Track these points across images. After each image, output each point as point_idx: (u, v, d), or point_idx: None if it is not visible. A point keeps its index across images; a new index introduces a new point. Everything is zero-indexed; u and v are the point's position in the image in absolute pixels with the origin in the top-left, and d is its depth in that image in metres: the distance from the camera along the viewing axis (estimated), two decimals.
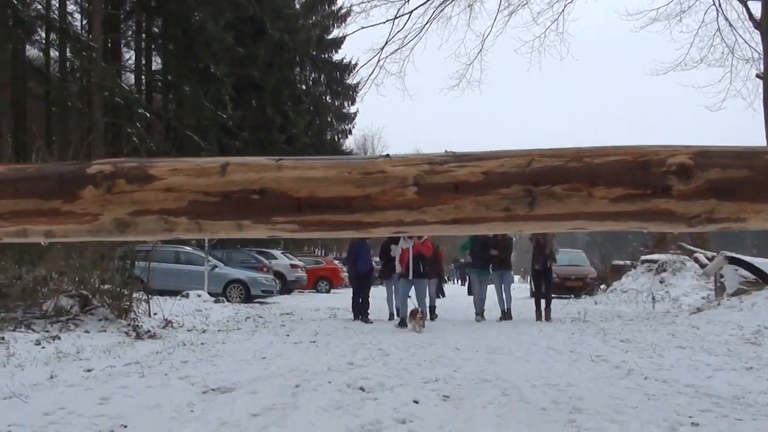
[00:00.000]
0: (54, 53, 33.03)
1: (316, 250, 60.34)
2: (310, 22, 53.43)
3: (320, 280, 36.46)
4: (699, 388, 7.72)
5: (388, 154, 1.85)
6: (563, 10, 22.71)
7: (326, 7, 54.71)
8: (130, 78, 38.76)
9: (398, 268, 15.96)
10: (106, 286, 12.88)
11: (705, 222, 1.78)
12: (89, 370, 8.22)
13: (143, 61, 39.26)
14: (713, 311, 17.16)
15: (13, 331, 10.59)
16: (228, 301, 22.37)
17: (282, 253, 35.28)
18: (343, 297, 24.16)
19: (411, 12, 21.35)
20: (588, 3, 27.49)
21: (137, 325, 12.32)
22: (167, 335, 12.27)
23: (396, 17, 21.36)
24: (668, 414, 6.19)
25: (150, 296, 14.14)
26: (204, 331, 13.36)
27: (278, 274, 29.78)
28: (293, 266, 32.80)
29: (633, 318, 17.62)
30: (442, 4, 21.60)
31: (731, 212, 1.77)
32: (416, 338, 12.74)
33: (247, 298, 24.96)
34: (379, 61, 22.02)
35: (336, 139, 59.79)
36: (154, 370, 8.50)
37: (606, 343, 12.31)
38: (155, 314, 13.80)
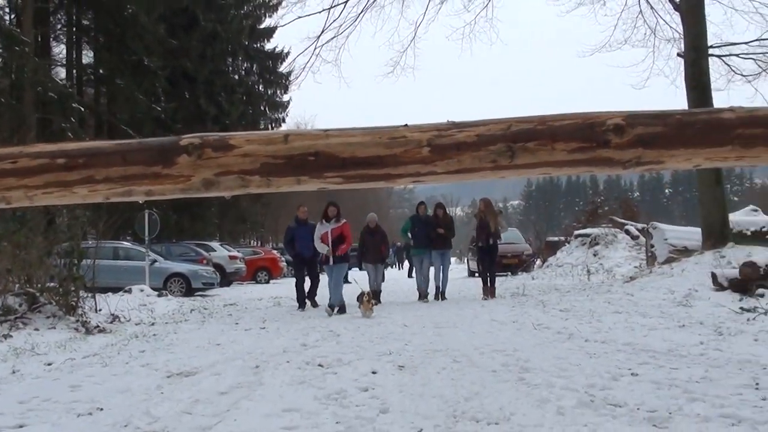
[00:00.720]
0: None
1: (252, 241, 60.16)
2: (242, 12, 53.17)
3: (259, 271, 35.79)
4: (636, 345, 8.31)
5: (406, 124, 2.38)
6: None
7: None
8: (61, 72, 38.13)
9: (320, 247, 15.35)
10: (53, 284, 12.90)
11: (635, 165, 2.38)
12: (49, 364, 8.37)
13: (74, 55, 38.67)
14: (646, 279, 17.72)
15: None
16: (170, 294, 22.20)
17: (220, 245, 34.98)
18: (284, 286, 24.41)
19: (346, 1, 21.53)
20: None
21: (86, 321, 12.36)
22: (117, 329, 12.37)
23: (332, 6, 21.49)
24: (610, 368, 6.66)
25: (94, 293, 14.16)
26: (153, 324, 13.45)
27: (217, 267, 29.31)
28: (232, 258, 32.30)
29: (570, 290, 18.16)
30: None
31: (653, 157, 2.38)
32: (364, 319, 13.11)
33: (188, 291, 24.84)
34: (315, 49, 22.03)
35: (270, 128, 59.39)
36: (114, 360, 8.71)
37: (546, 313, 12.80)
38: (101, 310, 13.76)
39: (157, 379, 7.04)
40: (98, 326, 12.25)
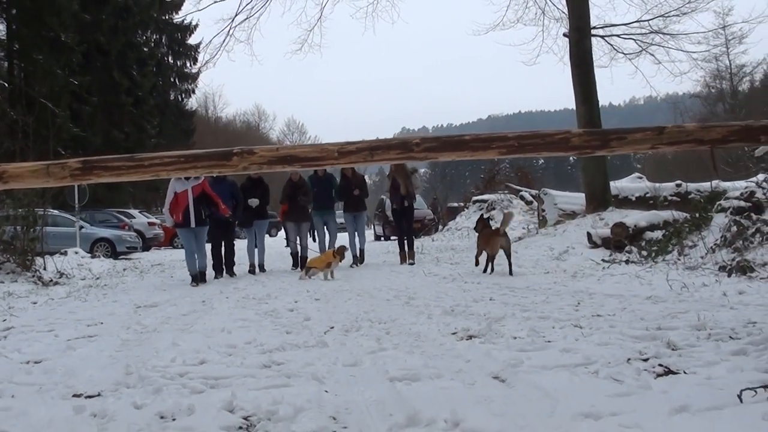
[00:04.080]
0: None
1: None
2: None
3: (176, 237, 36.70)
4: (502, 284, 10.41)
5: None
6: None
7: None
8: None
9: (169, 220, 14.08)
10: (12, 245, 14.57)
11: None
12: (34, 303, 10.23)
13: None
14: (532, 239, 19.62)
15: None
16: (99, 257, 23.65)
17: (139, 212, 36.31)
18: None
19: None
20: None
21: (40, 276, 14.17)
22: (68, 282, 14.09)
23: None
24: (476, 296, 8.83)
25: (43, 254, 15.82)
26: (98, 278, 15.20)
27: (137, 232, 30.70)
28: (151, 224, 33.71)
29: (465, 249, 20.06)
30: None
31: (434, 157, 4.00)
32: (279, 275, 14.26)
33: (113, 254, 26.22)
34: (230, 30, 23.32)
35: (180, 99, 60.25)
36: (88, 298, 10.69)
37: (438, 265, 14.86)
38: (46, 269, 15.46)
39: (129, 308, 9.06)
40: (52, 280, 14.02)
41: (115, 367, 4.94)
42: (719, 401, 3.40)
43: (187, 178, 12.97)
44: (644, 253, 12.83)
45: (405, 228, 16.75)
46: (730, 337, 5.13)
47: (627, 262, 12.37)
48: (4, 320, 8.15)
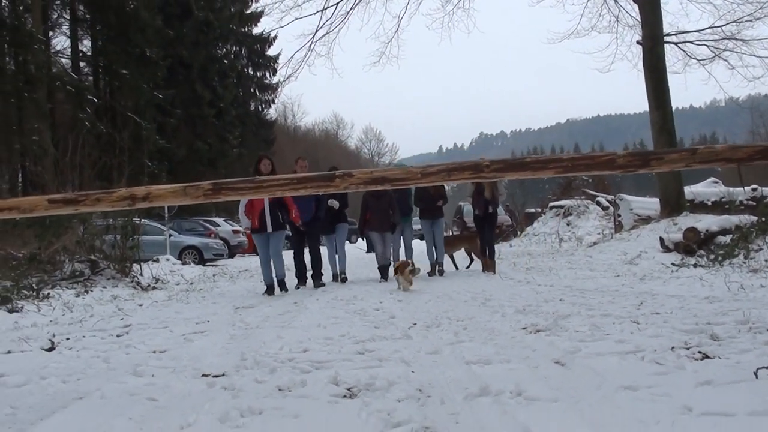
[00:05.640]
0: None
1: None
2: None
3: None
4: (573, 287, 11.06)
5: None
6: None
7: None
8: (67, 64, 40.07)
9: (245, 222, 13.59)
10: (113, 253, 15.65)
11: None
12: (140, 305, 11.17)
13: (79, 48, 40.67)
14: (606, 243, 20.19)
15: (51, 288, 13.30)
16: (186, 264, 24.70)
17: (224, 220, 37.28)
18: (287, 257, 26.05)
19: (336, 4, 24.07)
20: None
21: (138, 282, 15.21)
22: (164, 287, 15.09)
23: (324, 8, 24.15)
24: (547, 297, 9.51)
25: (140, 261, 16.86)
26: (191, 283, 16.21)
27: (222, 240, 31.65)
28: (235, 232, 34.47)
29: (541, 254, 20.67)
30: None
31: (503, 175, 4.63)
32: (364, 284, 14.17)
33: (201, 261, 27.33)
34: (311, 45, 24.56)
35: (260, 110, 61.43)
36: (189, 300, 11.70)
37: (514, 269, 15.56)
38: (142, 275, 16.47)
39: (230, 309, 9.97)
40: (149, 285, 15.03)
41: (231, 355, 5.78)
42: (739, 378, 4.07)
43: None
44: (712, 256, 13.17)
45: (487, 237, 16.11)
46: (767, 329, 5.75)
47: (695, 265, 12.73)
48: (122, 319, 9.09)
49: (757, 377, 4.05)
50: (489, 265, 15.63)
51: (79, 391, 4.61)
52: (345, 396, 4.21)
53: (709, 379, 4.05)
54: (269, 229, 12.84)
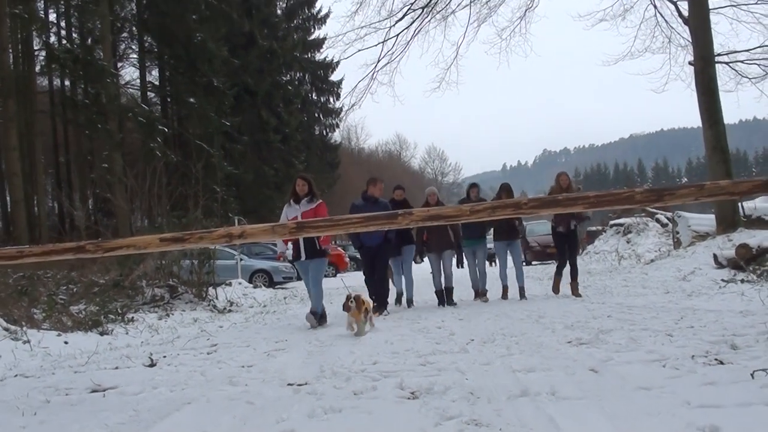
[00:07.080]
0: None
1: None
2: (292, 25, 56.48)
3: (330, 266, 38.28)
4: (623, 303, 11.67)
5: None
6: (524, 16, 25.93)
7: (306, 10, 58.02)
8: (136, 95, 41.74)
9: (280, 247, 12.74)
10: (190, 278, 16.67)
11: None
12: (221, 327, 12.14)
13: (147, 79, 42.40)
14: (663, 260, 20.42)
15: (135, 312, 14.27)
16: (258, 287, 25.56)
17: None
18: (353, 278, 26.14)
19: (397, 35, 25.02)
20: (547, 6, 30.31)
21: (215, 305, 16.19)
22: (239, 310, 16.09)
23: (385, 40, 25.08)
24: (596, 314, 10.19)
25: (215, 285, 17.84)
26: (264, 306, 17.15)
27: (290, 263, 31.91)
28: None
29: (600, 273, 21.20)
30: (421, 23, 25.17)
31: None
32: (428, 304, 14.98)
33: (270, 284, 28.27)
34: (373, 74, 25.56)
35: (324, 134, 62.65)
36: (266, 321, 12.65)
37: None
38: (217, 298, 17.42)
39: (304, 329, 10.89)
40: (225, 308, 16.00)
41: (311, 368, 6.66)
42: (738, 379, 4.83)
43: (297, 202, 11.58)
44: (758, 272, 13.43)
45: (569, 254, 14.87)
46: None
47: (742, 281, 12.97)
48: (208, 339, 10.04)
49: (753, 377, 4.79)
50: (573, 288, 14.52)
51: (187, 398, 5.51)
52: (408, 398, 5.02)
53: (713, 380, 4.81)
54: (302, 257, 11.65)
